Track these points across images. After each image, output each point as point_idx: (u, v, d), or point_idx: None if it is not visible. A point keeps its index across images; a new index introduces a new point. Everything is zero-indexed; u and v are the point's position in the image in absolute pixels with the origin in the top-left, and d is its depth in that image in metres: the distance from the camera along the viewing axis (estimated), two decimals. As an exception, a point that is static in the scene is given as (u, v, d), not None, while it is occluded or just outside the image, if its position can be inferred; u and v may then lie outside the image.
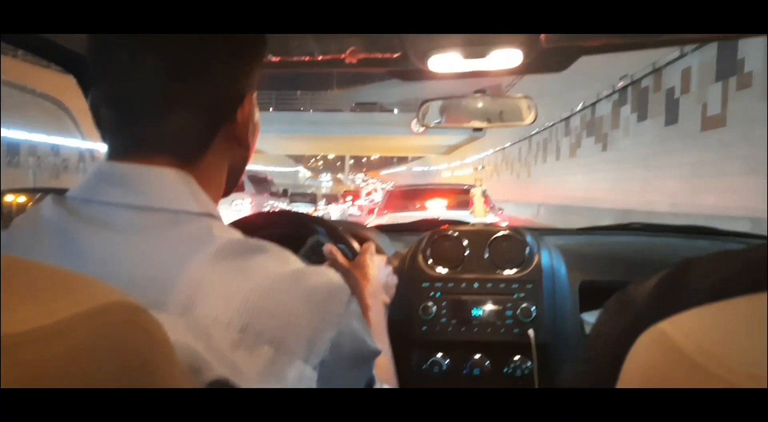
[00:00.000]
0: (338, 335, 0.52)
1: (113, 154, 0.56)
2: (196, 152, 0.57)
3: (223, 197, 0.64)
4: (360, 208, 22.74)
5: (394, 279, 1.07)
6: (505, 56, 1.17)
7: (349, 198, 23.74)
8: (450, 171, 40.81)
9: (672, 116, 9.73)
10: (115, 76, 0.55)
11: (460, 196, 7.09)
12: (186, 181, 0.55)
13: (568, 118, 16.04)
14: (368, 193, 31.57)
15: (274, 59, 1.22)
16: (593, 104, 13.80)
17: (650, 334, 0.35)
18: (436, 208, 6.61)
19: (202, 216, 0.54)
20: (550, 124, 17.02)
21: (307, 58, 1.27)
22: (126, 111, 0.55)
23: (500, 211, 6.88)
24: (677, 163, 9.32)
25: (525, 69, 1.27)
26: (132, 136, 0.56)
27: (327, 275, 0.55)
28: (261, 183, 11.81)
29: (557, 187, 16.88)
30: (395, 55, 1.22)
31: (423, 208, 6.76)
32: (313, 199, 15.45)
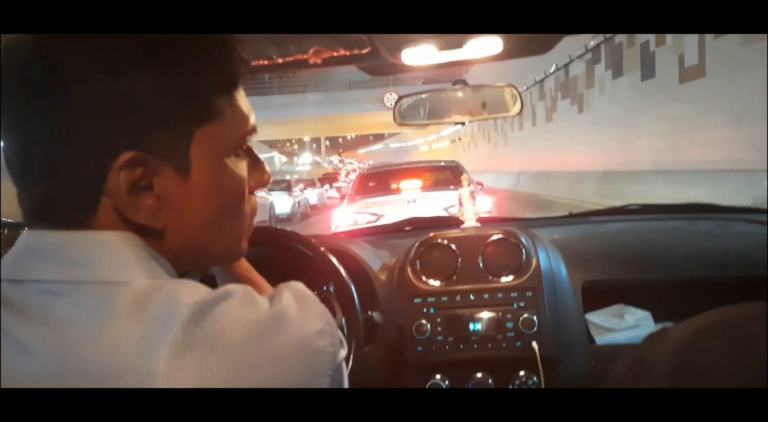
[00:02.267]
0: (334, 350, 0.51)
1: (37, 223, 0.49)
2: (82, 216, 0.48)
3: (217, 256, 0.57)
4: (338, 190, 22.61)
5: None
6: (485, 43, 1.07)
7: (326, 187, 23.50)
8: (427, 145, 40.73)
9: (648, 70, 9.65)
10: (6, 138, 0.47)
11: (437, 174, 6.94)
12: (130, 243, 0.48)
13: (541, 81, 15.96)
14: (347, 174, 31.44)
15: None
16: (566, 65, 13.70)
17: None
18: (411, 190, 6.44)
19: (156, 283, 0.46)
20: (524, 88, 16.92)
21: (266, 63, 1.16)
22: (19, 176, 0.49)
23: (479, 187, 6.74)
24: (657, 118, 9.27)
25: (506, 54, 1.17)
26: (41, 201, 0.48)
27: (298, 300, 0.51)
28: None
29: (536, 154, 16.87)
30: (364, 51, 1.11)
31: (397, 190, 6.57)
32: (287, 187, 15.23)
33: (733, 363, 0.39)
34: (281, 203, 14.24)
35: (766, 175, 5.55)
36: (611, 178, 9.93)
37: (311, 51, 1.15)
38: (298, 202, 15.61)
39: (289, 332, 0.47)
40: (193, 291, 0.46)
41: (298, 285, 0.54)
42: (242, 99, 0.54)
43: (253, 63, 1.13)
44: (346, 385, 0.54)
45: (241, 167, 0.54)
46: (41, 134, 0.46)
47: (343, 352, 0.54)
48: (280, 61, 1.18)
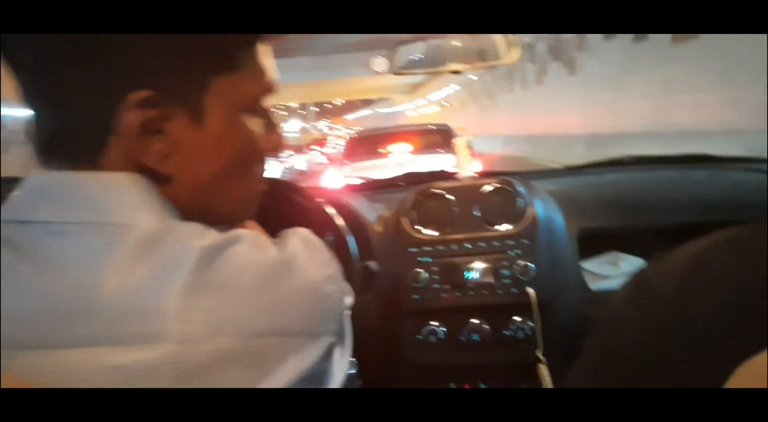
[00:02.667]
0: (342, 296, 0.51)
1: (47, 159, 0.48)
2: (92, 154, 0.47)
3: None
4: (327, 156, 22.50)
5: None
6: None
7: (315, 153, 23.43)
8: (416, 110, 40.48)
9: (639, 32, 9.54)
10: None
11: (427, 138, 6.92)
12: (138, 185, 0.47)
13: (532, 44, 15.80)
14: (338, 137, 31.26)
15: None
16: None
17: (754, 367, 0.32)
18: (402, 154, 6.43)
19: (165, 226, 0.46)
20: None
21: None
22: (34, 106, 0.48)
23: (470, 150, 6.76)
24: (647, 81, 9.22)
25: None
26: (51, 134, 0.48)
27: (306, 246, 0.50)
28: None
29: (526, 117, 16.82)
30: None
31: (387, 154, 6.55)
32: None
33: (741, 278, 0.39)
34: (269, 169, 14.18)
35: (754, 136, 5.56)
36: (601, 140, 9.94)
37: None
38: (286, 169, 15.56)
39: (300, 277, 0.47)
40: (202, 234, 0.45)
41: (305, 232, 0.53)
42: (265, 55, 0.52)
43: None
44: (349, 332, 0.54)
45: (256, 125, 0.53)
46: (58, 64, 0.45)
47: (349, 299, 0.54)
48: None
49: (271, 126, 0.56)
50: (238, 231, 0.47)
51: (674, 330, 0.39)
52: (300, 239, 0.51)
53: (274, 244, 0.49)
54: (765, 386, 0.30)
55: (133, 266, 0.42)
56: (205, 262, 0.43)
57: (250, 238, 0.47)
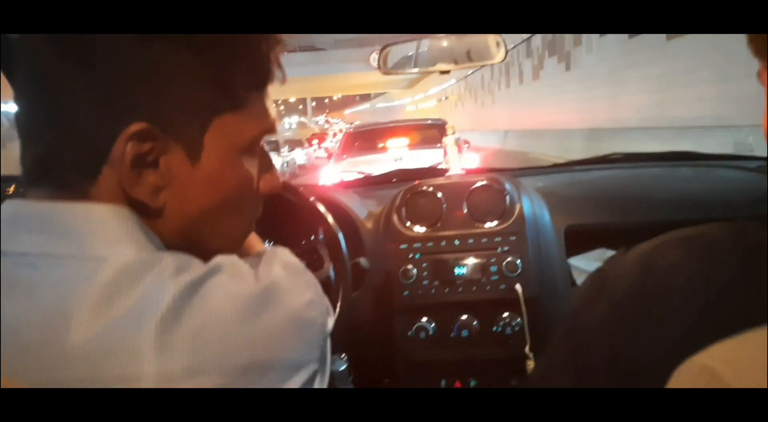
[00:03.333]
0: (324, 320, 0.50)
1: (34, 184, 0.48)
2: (78, 180, 0.46)
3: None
4: (326, 150, 22.52)
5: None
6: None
7: (315, 141, 23.56)
8: (414, 105, 40.44)
9: (636, 26, 9.58)
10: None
11: (424, 132, 6.92)
12: (122, 218, 0.45)
13: (528, 39, 15.80)
14: (335, 134, 31.27)
15: None
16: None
17: (691, 368, 0.32)
18: (398, 148, 6.45)
19: (144, 259, 0.44)
20: (511, 46, 16.76)
21: None
22: (26, 128, 0.47)
23: (467, 146, 6.76)
24: (644, 76, 9.24)
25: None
26: (42, 158, 0.46)
27: (287, 270, 0.49)
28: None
29: (523, 112, 16.82)
30: None
31: (384, 149, 6.56)
32: (276, 147, 15.17)
33: (693, 274, 0.40)
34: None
35: (750, 130, 5.59)
36: (598, 135, 9.96)
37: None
38: (287, 162, 15.59)
39: (282, 306, 0.46)
40: (182, 265, 0.44)
41: (285, 253, 0.53)
42: (268, 98, 0.52)
43: None
44: (329, 354, 0.53)
45: (252, 165, 0.52)
46: (57, 84, 0.44)
47: (331, 321, 0.53)
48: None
49: (267, 167, 0.55)
50: (218, 261, 0.46)
51: (625, 322, 0.42)
52: (280, 263, 0.50)
53: (253, 268, 0.48)
54: (702, 387, 0.32)
55: (109, 303, 0.40)
56: (184, 297, 0.41)
57: (229, 267, 0.46)
